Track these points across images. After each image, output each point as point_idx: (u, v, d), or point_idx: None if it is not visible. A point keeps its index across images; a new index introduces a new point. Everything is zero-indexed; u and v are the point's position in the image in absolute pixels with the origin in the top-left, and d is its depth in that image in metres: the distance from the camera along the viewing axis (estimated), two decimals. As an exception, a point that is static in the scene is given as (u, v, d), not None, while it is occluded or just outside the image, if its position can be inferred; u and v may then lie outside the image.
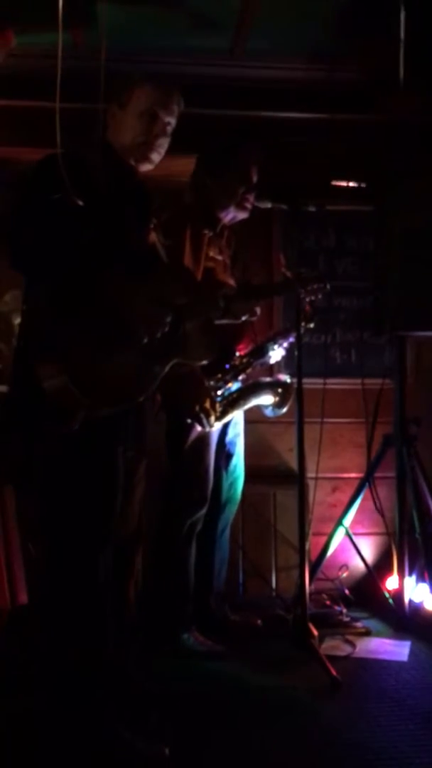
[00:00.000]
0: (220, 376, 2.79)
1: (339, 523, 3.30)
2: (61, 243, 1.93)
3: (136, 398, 2.03)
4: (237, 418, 2.99)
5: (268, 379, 3.01)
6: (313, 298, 2.88)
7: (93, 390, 1.90)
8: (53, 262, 1.93)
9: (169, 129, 2.24)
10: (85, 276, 1.94)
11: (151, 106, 2.19)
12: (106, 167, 2.10)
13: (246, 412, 3.01)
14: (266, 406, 2.96)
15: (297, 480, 2.72)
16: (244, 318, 2.79)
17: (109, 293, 1.98)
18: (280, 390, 2.93)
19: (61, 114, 1.84)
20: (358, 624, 3.06)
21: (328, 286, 2.91)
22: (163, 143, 2.24)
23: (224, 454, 2.97)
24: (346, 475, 3.59)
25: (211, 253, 2.80)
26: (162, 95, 2.21)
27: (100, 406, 1.94)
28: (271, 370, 3.30)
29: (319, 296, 2.91)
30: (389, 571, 3.25)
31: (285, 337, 2.92)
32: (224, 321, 2.70)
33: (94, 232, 1.96)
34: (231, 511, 3.05)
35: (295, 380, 2.70)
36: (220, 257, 2.86)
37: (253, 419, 3.17)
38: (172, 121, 2.24)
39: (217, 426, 2.77)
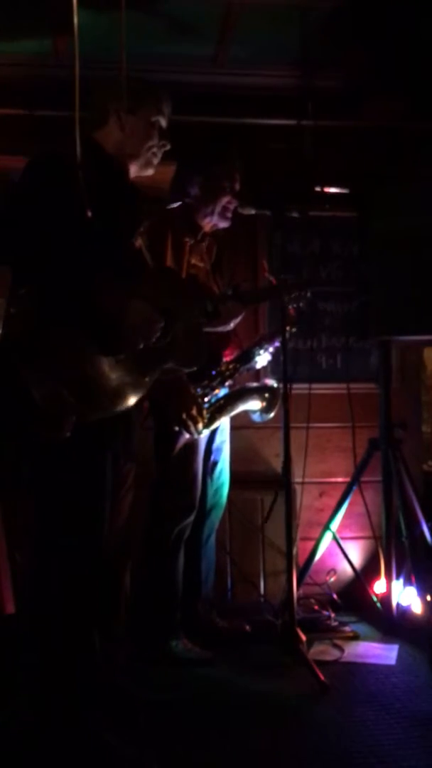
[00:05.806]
0: (206, 382, 2.79)
1: (326, 527, 3.31)
2: (64, 249, 1.89)
3: (127, 404, 2.02)
4: (223, 424, 2.99)
5: (254, 385, 3.02)
6: (295, 305, 2.89)
7: (85, 396, 1.89)
8: (55, 266, 1.88)
9: None
10: (80, 281, 1.91)
11: (158, 116, 2.21)
12: (96, 167, 2.04)
13: (232, 418, 3.01)
14: (254, 412, 2.96)
15: (284, 485, 2.73)
16: (233, 324, 2.79)
17: (104, 299, 1.95)
18: (267, 395, 2.94)
19: (39, 122, 1.82)
20: (346, 628, 3.06)
21: (309, 294, 2.93)
22: None
23: (210, 460, 2.97)
24: (332, 480, 3.59)
25: (193, 261, 2.80)
26: (166, 105, 2.23)
27: (92, 412, 1.92)
28: (257, 375, 3.31)
29: (301, 304, 2.93)
30: (377, 574, 3.26)
31: (270, 341, 2.93)
32: (212, 328, 2.70)
33: (92, 237, 1.93)
34: (216, 517, 3.05)
35: (281, 385, 2.71)
36: (201, 264, 2.87)
37: (240, 425, 3.17)
38: None
39: (204, 433, 2.78)
